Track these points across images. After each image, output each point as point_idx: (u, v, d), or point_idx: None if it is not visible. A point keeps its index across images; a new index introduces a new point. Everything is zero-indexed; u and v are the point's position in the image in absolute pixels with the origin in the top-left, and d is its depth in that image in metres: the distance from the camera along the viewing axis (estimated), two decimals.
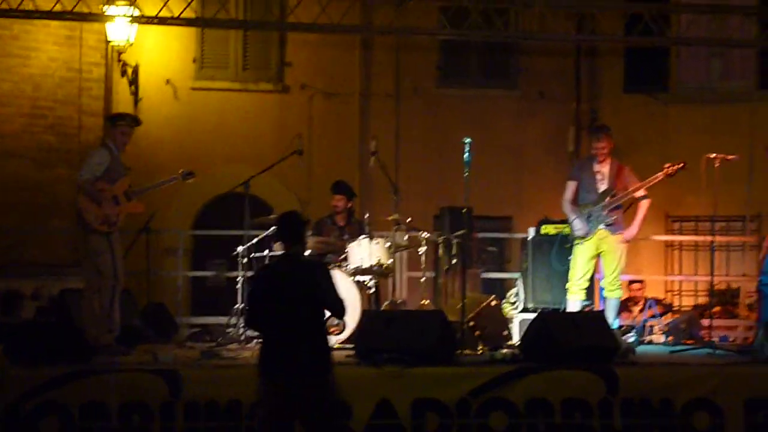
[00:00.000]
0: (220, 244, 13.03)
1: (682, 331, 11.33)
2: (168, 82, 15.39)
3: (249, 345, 9.85)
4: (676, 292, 16.15)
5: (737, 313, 14.45)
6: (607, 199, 10.50)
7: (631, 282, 13.12)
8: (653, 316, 11.85)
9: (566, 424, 8.10)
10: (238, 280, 10.75)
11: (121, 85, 14.87)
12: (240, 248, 10.72)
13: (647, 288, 13.46)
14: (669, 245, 16.08)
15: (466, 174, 9.51)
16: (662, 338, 11.37)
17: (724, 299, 15.00)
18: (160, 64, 15.33)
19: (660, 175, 10.48)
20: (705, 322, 11.35)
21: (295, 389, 6.77)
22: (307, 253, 10.52)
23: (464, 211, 10.09)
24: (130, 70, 14.84)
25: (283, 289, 6.92)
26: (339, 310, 7.18)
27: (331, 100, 15.79)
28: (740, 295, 14.62)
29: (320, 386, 6.90)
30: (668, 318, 12.35)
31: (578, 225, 10.55)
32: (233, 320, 10.74)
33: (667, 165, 10.49)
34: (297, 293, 6.91)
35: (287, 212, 7.55)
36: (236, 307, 10.65)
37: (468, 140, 9.54)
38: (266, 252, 10.72)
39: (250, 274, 10.56)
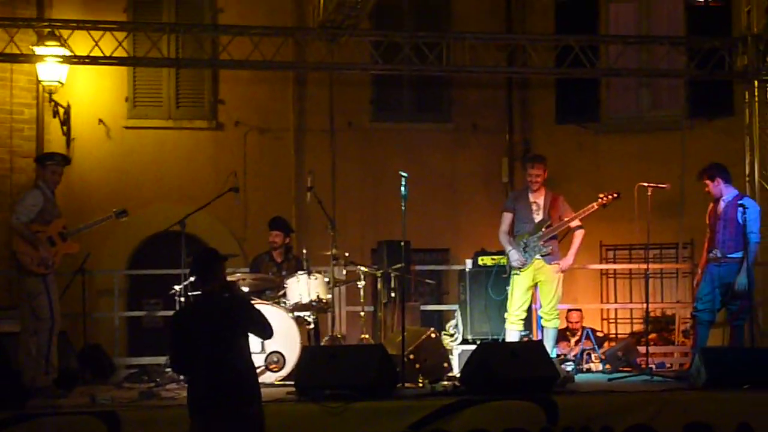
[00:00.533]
0: (157, 284, 12.97)
1: (619, 358, 11.41)
2: (100, 121, 15.27)
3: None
4: (611, 320, 16.29)
5: (673, 339, 14.59)
6: (543, 229, 10.60)
7: (569, 311, 13.23)
8: (591, 345, 11.94)
9: None
10: None
11: (53, 126, 14.71)
12: (177, 287, 10.65)
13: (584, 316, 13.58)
14: (604, 273, 16.22)
15: (403, 207, 9.54)
16: (600, 366, 11.47)
17: (659, 326, 15.16)
18: (92, 104, 15.21)
19: (594, 205, 10.61)
20: (641, 349, 11.43)
21: (225, 424, 6.75)
22: (245, 290, 10.51)
23: (402, 244, 10.11)
24: (61, 111, 14.69)
25: (202, 328, 6.89)
26: (264, 332, 7.22)
27: (265, 136, 15.78)
28: (675, 322, 14.76)
29: (249, 418, 6.89)
30: (605, 346, 12.46)
31: (515, 256, 10.63)
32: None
33: (601, 195, 10.62)
34: (215, 329, 6.89)
35: (200, 251, 7.51)
36: None
37: (404, 174, 9.58)
38: None
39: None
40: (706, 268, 10.51)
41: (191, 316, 7.14)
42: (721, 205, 10.45)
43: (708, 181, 10.49)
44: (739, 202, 10.28)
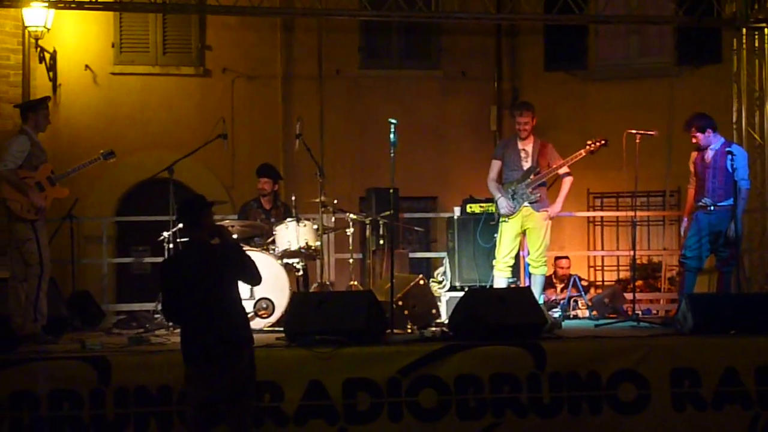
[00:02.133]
0: (145, 230, 12.99)
1: (606, 305, 11.48)
2: (87, 67, 15.22)
3: (177, 330, 9.81)
4: (598, 268, 16.37)
5: (659, 286, 14.67)
6: (531, 176, 10.60)
7: (558, 258, 13.30)
8: (578, 292, 12.00)
9: (495, 399, 8.16)
10: None
11: (39, 72, 14.62)
12: (165, 233, 10.64)
13: (571, 264, 13.65)
14: (591, 221, 16.28)
15: (392, 155, 9.53)
16: (587, 313, 11.52)
17: (645, 273, 15.22)
18: (78, 50, 15.14)
19: (582, 152, 10.59)
20: (628, 296, 11.50)
21: (219, 372, 6.80)
22: (234, 236, 10.50)
23: (391, 191, 10.10)
24: (48, 56, 14.62)
25: (192, 276, 6.91)
26: (253, 279, 7.28)
27: (253, 83, 15.73)
28: (662, 269, 14.84)
29: (242, 365, 6.96)
30: (592, 293, 12.52)
31: (503, 203, 10.64)
32: (160, 306, 10.66)
33: (589, 142, 10.61)
34: (206, 277, 6.91)
35: (186, 198, 7.49)
36: None
37: (394, 121, 9.55)
38: None
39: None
40: (693, 216, 10.54)
41: (181, 265, 7.12)
42: (709, 153, 10.43)
43: (698, 133, 10.45)
44: (727, 149, 10.28)
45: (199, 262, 6.98)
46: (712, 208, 10.28)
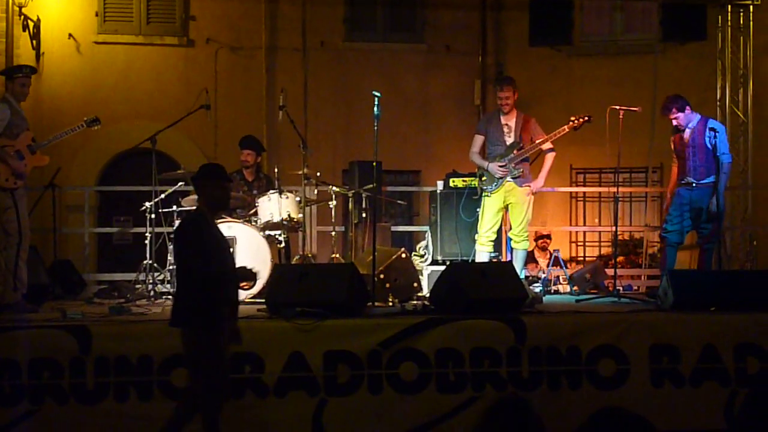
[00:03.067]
0: (126, 200, 12.95)
1: (587, 281, 11.50)
2: (70, 36, 15.13)
3: (158, 301, 9.84)
4: (580, 243, 16.41)
5: (640, 262, 14.72)
6: (515, 152, 10.60)
7: (540, 237, 13.32)
8: (559, 267, 12.03)
9: (475, 373, 8.17)
10: (146, 235, 10.66)
11: (23, 40, 14.54)
12: (148, 204, 10.61)
13: (553, 239, 13.68)
14: (573, 196, 16.31)
15: (376, 128, 9.50)
16: (567, 288, 11.55)
17: (627, 249, 15.28)
18: (62, 18, 15.05)
19: (565, 128, 10.59)
20: (609, 271, 11.53)
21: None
22: None
23: (374, 164, 10.08)
24: (31, 25, 14.52)
25: (218, 241, 7.09)
26: None
27: (237, 54, 15.66)
28: (643, 245, 14.89)
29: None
30: (573, 268, 12.54)
31: (494, 168, 10.59)
32: (141, 276, 10.65)
33: (572, 118, 10.61)
34: (224, 246, 7.19)
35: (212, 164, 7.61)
36: (144, 263, 10.56)
37: (378, 94, 9.50)
38: (174, 207, 10.62)
39: (158, 230, 10.56)
40: (676, 191, 10.56)
41: (208, 228, 7.14)
42: (687, 132, 10.45)
43: (680, 113, 10.46)
44: (709, 126, 10.30)
45: (218, 231, 7.15)
46: (694, 185, 10.31)
